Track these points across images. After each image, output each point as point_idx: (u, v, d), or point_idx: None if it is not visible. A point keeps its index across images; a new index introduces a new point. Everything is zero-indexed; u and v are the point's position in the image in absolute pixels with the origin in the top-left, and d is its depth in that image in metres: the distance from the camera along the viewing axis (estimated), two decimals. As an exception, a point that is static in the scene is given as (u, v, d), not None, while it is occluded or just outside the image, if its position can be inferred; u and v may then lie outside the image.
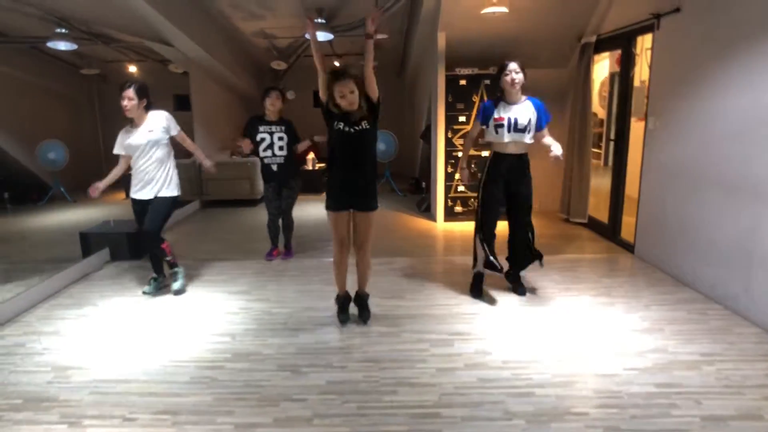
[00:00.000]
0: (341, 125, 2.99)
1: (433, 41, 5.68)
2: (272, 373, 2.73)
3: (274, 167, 4.50)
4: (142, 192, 3.81)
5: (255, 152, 4.54)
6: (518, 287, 3.80)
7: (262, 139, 4.45)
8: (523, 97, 3.54)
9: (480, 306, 3.59)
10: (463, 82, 5.66)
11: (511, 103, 3.50)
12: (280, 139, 4.46)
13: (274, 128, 4.45)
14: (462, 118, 5.73)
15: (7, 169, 7.93)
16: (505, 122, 3.47)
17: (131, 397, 2.55)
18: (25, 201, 8.07)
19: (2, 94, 7.79)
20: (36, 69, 8.29)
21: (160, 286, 4.03)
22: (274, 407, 2.43)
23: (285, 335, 3.18)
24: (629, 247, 4.82)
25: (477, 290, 3.75)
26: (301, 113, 10.06)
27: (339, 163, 3.08)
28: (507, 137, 3.47)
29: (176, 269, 3.99)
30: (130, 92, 3.62)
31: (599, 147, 9.11)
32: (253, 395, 2.54)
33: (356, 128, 3.00)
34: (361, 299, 3.39)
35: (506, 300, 3.69)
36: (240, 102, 9.33)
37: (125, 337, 3.23)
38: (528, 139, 3.50)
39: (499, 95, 3.57)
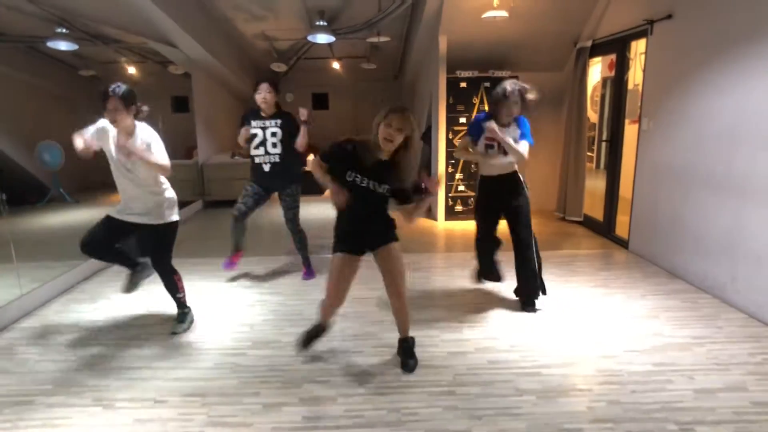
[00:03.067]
0: (357, 177, 2.52)
1: (435, 45, 5.86)
2: (293, 359, 2.87)
3: (266, 167, 3.93)
4: (131, 215, 3.10)
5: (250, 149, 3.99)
6: (528, 307, 3.54)
7: (254, 135, 3.90)
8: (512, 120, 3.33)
9: (485, 297, 3.76)
10: (463, 84, 5.84)
11: (502, 125, 3.29)
12: (273, 135, 3.89)
13: (267, 123, 3.90)
14: (462, 120, 5.91)
15: (5, 171, 7.94)
16: (496, 144, 3.30)
17: (158, 382, 2.67)
18: (23, 203, 8.07)
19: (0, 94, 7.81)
20: (34, 69, 8.30)
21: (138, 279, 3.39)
22: (298, 388, 2.57)
23: (302, 325, 3.29)
24: (623, 243, 5.03)
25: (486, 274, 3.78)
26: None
27: (348, 214, 2.63)
28: (497, 159, 3.33)
29: (186, 310, 3.37)
30: (115, 102, 2.84)
31: (591, 150, 9.36)
32: (276, 378, 2.67)
33: (373, 185, 2.54)
34: (408, 345, 2.80)
35: (510, 291, 3.85)
36: (240, 104, 9.44)
37: (142, 327, 3.35)
38: (509, 160, 3.34)
39: (491, 112, 3.34)
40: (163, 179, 3.14)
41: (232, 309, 3.62)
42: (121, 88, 2.90)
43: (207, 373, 2.75)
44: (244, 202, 4.04)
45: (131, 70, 8.83)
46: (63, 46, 6.39)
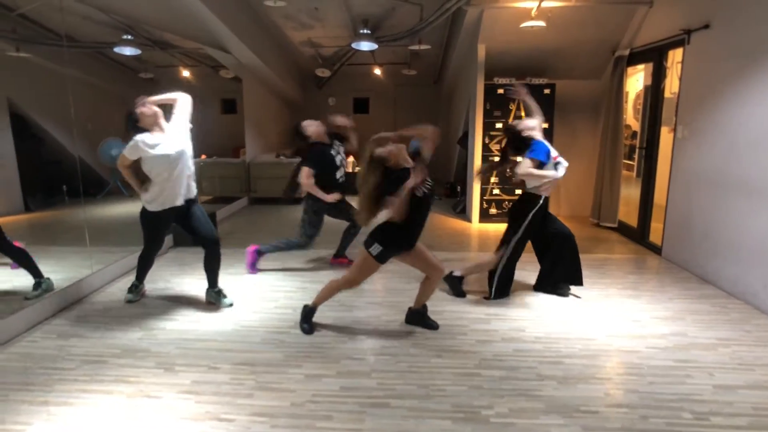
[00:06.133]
0: (426, 189, 2.91)
1: (473, 52, 6.06)
2: (332, 338, 3.14)
3: (341, 181, 4.40)
4: (177, 199, 3.52)
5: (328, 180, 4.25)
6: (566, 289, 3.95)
7: (341, 163, 4.34)
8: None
9: (514, 294, 3.92)
10: (500, 91, 6.02)
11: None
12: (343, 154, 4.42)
13: (336, 147, 4.32)
14: (498, 125, 6.08)
15: (68, 166, 8.59)
16: (561, 158, 3.63)
17: (212, 352, 2.98)
18: (83, 194, 8.70)
19: (68, 95, 8.48)
20: (99, 72, 8.96)
21: (141, 291, 3.90)
22: (336, 364, 2.83)
23: (340, 310, 3.58)
24: (656, 250, 5.08)
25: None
26: (343, 119, 10.64)
27: (416, 220, 2.97)
28: (561, 172, 3.65)
29: (219, 288, 3.75)
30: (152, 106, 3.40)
31: (632, 158, 9.29)
32: (317, 354, 2.94)
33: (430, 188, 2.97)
34: (425, 312, 3.35)
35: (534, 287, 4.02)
36: (285, 106, 9.88)
37: (197, 306, 3.69)
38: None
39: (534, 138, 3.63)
40: None
41: (277, 294, 3.92)
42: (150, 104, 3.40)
43: (255, 347, 3.04)
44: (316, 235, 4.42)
45: (185, 73, 9.40)
46: (128, 51, 6.95)
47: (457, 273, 3.92)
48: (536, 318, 3.46)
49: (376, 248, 2.96)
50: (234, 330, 3.28)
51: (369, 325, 3.34)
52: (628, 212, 5.98)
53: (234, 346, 3.05)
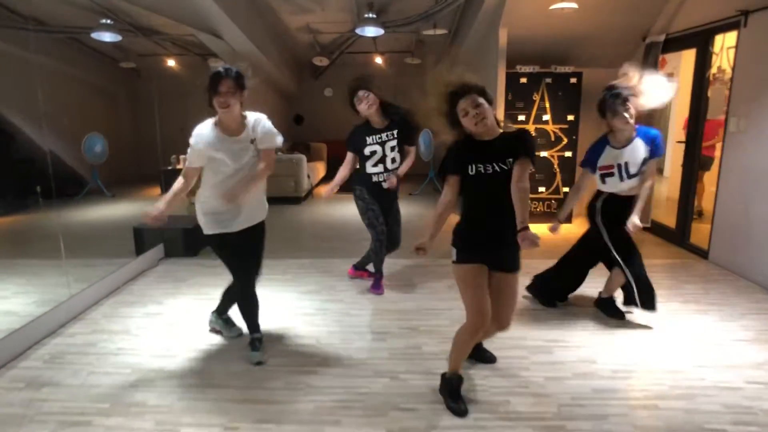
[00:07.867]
0: (480, 167, 2.19)
1: (491, 38, 5.52)
2: (371, 380, 2.58)
3: (385, 184, 3.57)
4: (238, 221, 2.69)
5: (358, 169, 3.67)
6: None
7: (373, 152, 3.51)
8: (633, 134, 2.98)
9: (568, 312, 3.42)
10: (523, 80, 5.49)
11: (620, 146, 2.98)
12: (393, 149, 3.52)
13: (385, 136, 3.50)
14: (521, 117, 5.56)
15: (43, 164, 7.86)
16: (615, 170, 3.00)
17: (225, 404, 2.41)
18: (60, 195, 7.97)
19: (40, 85, 7.72)
20: (74, 61, 8.20)
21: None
22: (383, 417, 2.28)
23: (372, 339, 3.03)
24: (700, 253, 4.63)
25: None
26: (342, 112, 9.97)
27: (472, 214, 2.36)
28: (623, 185, 3.03)
29: (228, 315, 3.12)
30: (230, 82, 2.50)
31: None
32: (356, 404, 2.39)
33: (500, 166, 2.18)
34: (481, 344, 2.77)
35: (588, 306, 3.52)
36: (280, 99, 9.24)
37: (201, 338, 3.09)
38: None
39: (606, 134, 3.04)
40: None
41: (294, 321, 3.33)
42: (233, 69, 2.53)
43: (278, 394, 2.48)
44: (380, 222, 3.59)
45: (171, 62, 8.68)
46: (107, 37, 6.27)
47: (604, 294, 3.33)
48: (602, 344, 2.95)
49: (453, 254, 2.32)
50: (247, 370, 2.70)
51: (411, 359, 2.79)
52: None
53: (251, 395, 2.48)
